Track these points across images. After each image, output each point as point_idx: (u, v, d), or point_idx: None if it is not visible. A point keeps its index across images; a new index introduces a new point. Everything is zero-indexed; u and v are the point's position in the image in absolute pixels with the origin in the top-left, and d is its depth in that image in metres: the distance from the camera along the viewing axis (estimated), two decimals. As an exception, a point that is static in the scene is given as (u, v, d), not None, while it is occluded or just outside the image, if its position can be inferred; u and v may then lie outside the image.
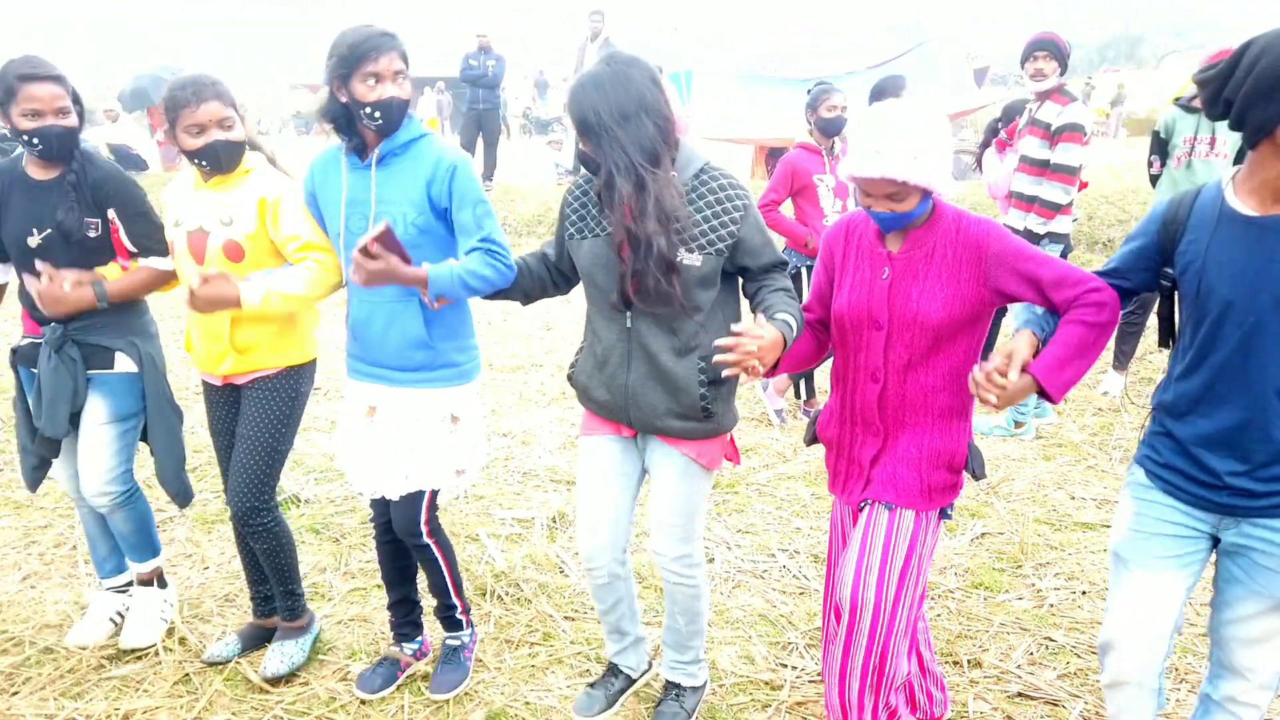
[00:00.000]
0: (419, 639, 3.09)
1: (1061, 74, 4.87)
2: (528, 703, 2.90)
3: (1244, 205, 1.97)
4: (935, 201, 2.23)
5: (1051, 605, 3.46)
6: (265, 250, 2.76)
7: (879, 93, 5.32)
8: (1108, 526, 4.08)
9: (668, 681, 2.83)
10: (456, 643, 3.04)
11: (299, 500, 4.30)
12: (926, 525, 2.33)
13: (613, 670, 2.91)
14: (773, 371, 2.29)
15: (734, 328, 2.13)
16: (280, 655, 3.02)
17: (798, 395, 5.64)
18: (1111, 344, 5.89)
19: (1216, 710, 2.21)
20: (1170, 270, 2.10)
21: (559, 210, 2.57)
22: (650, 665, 2.97)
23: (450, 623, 3.04)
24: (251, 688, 2.95)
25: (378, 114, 2.48)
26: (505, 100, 14.07)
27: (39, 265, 2.74)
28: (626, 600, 2.78)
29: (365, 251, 2.35)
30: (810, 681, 3.02)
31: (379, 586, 3.53)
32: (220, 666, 3.04)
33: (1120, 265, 2.19)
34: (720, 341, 2.12)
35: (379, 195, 2.57)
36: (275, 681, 2.96)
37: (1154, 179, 5.55)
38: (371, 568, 3.71)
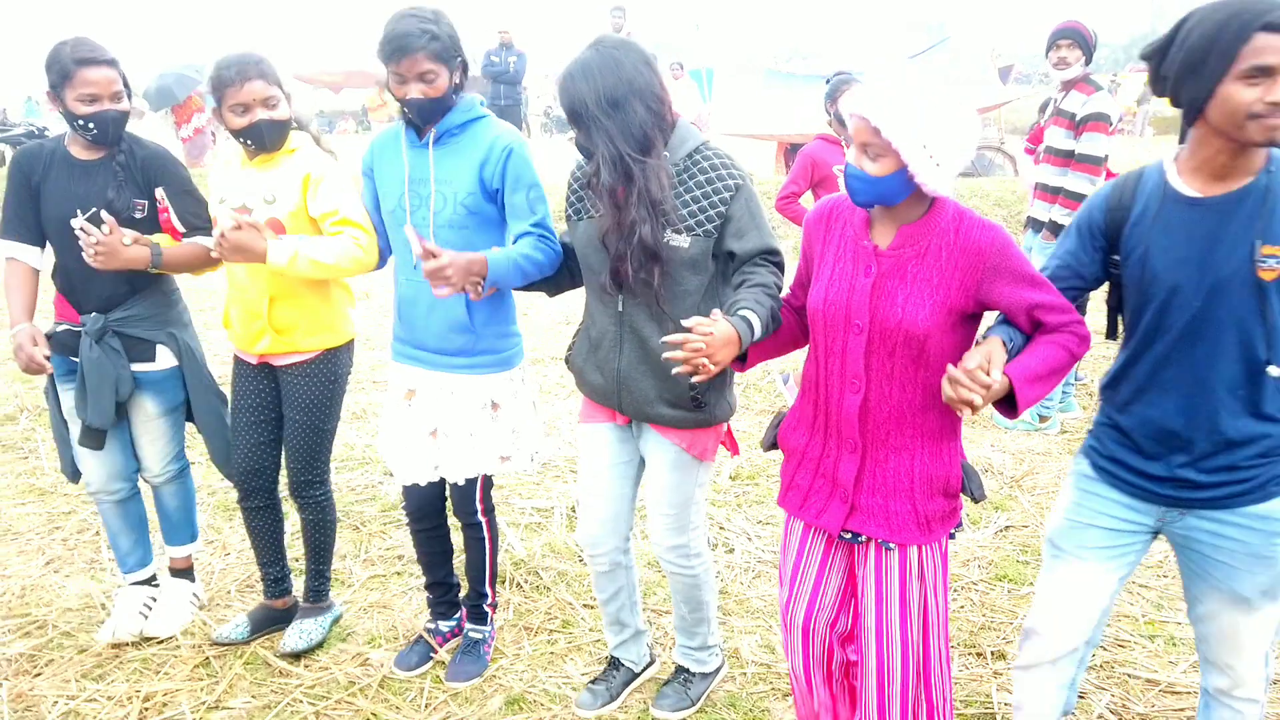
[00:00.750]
0: (456, 616, 3.11)
1: (1086, 63, 4.80)
2: (546, 689, 2.89)
3: (1186, 186, 1.89)
4: (937, 199, 2.00)
5: (1077, 598, 3.41)
6: (307, 228, 2.76)
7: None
8: (1134, 520, 4.03)
9: (677, 666, 2.82)
10: (479, 635, 3.03)
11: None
12: (935, 557, 2.14)
13: (614, 664, 2.87)
14: (742, 365, 2.14)
15: (684, 322, 1.97)
16: (299, 632, 3.05)
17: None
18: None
19: (1216, 705, 2.16)
20: (1117, 257, 2.02)
21: (565, 193, 2.55)
22: (653, 660, 2.95)
23: (477, 613, 3.04)
24: (271, 671, 2.95)
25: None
26: (527, 98, 14.08)
27: (104, 215, 2.65)
28: (627, 590, 2.75)
29: (429, 254, 2.31)
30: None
31: (399, 574, 3.54)
32: (240, 649, 3.04)
33: (1068, 260, 2.08)
34: (668, 338, 1.98)
35: (437, 175, 2.58)
36: (294, 658, 3.00)
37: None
38: (392, 554, 3.71)
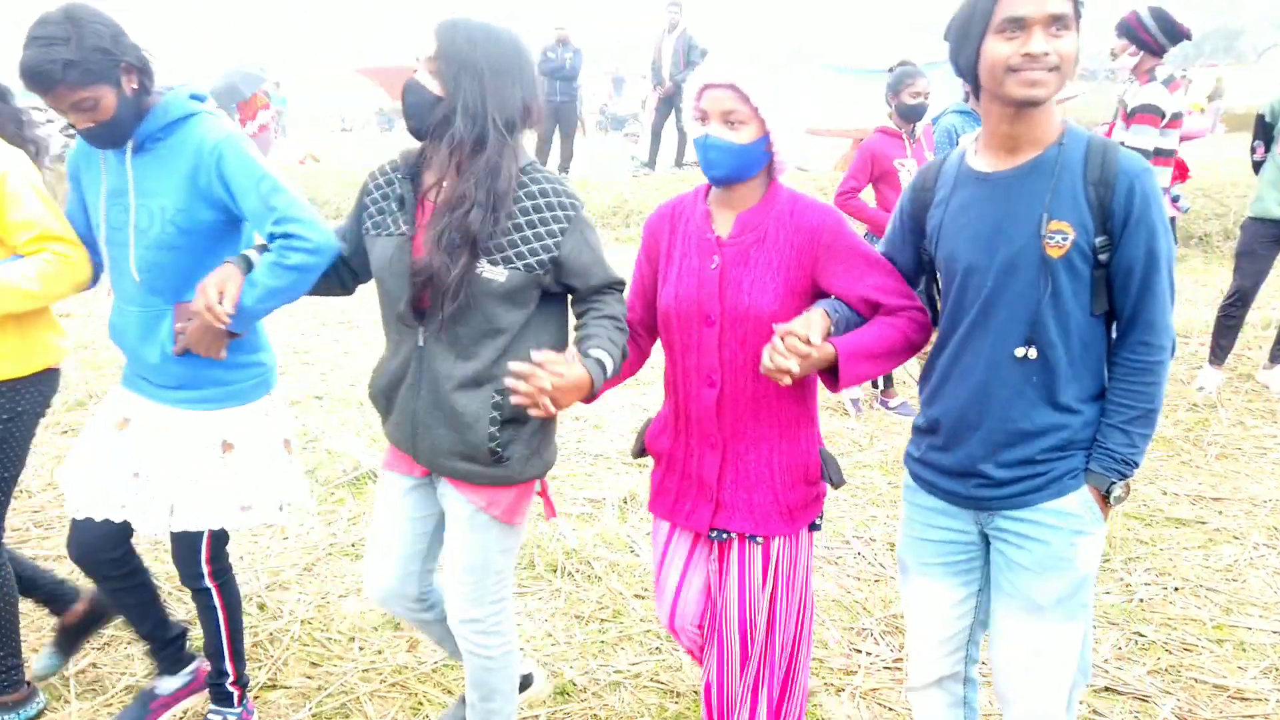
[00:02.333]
0: (189, 668, 2.63)
1: (1142, 53, 4.68)
2: (595, 678, 2.88)
3: (980, 162, 1.84)
4: (772, 182, 2.03)
5: (1141, 600, 3.32)
6: None
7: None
8: (1203, 523, 3.91)
9: None
10: (218, 719, 2.58)
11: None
12: (799, 546, 2.14)
13: (462, 700, 2.55)
14: (591, 398, 2.00)
15: (535, 355, 1.85)
16: None
17: (874, 385, 5.53)
18: (1209, 339, 5.65)
19: None
20: (925, 243, 1.96)
21: (358, 197, 2.19)
22: (533, 678, 2.68)
23: (219, 694, 2.57)
24: (327, 654, 2.99)
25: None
26: (582, 95, 14.13)
27: None
28: (438, 627, 2.39)
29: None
30: (885, 668, 2.95)
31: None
32: (292, 631, 3.09)
33: (887, 249, 2.05)
34: (514, 366, 1.84)
35: (138, 187, 2.19)
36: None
37: (1256, 165, 5.31)
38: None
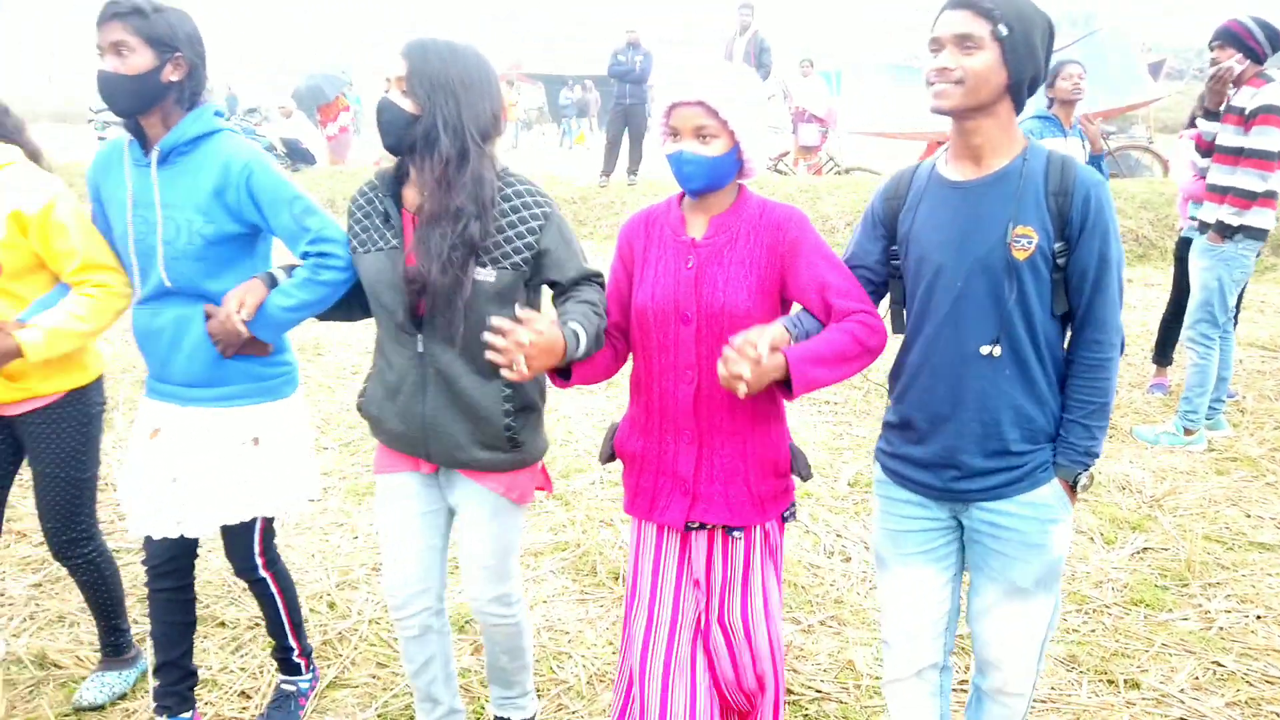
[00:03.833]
0: (186, 714, 2.62)
1: (1257, 61, 4.53)
2: (656, 688, 2.89)
3: (951, 171, 1.99)
4: (742, 189, 2.13)
5: (1221, 628, 3.20)
6: (25, 261, 2.42)
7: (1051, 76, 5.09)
8: (1289, 548, 3.75)
9: (496, 717, 2.64)
10: (291, 688, 2.78)
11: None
12: (774, 536, 2.25)
13: None
14: (565, 382, 2.12)
15: (519, 311, 1.91)
16: (100, 685, 2.81)
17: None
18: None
19: (986, 700, 2.19)
20: (896, 247, 2.08)
21: (346, 219, 2.32)
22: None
23: (286, 665, 2.79)
24: (393, 654, 3.05)
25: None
26: (652, 97, 14.15)
27: None
28: (440, 660, 2.45)
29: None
30: (949, 689, 2.90)
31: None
32: (360, 631, 3.16)
33: (855, 250, 2.16)
34: (495, 321, 1.89)
35: (164, 199, 2.27)
36: (92, 710, 2.76)
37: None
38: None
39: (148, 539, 2.47)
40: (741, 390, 1.86)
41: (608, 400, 5.54)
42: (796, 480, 2.25)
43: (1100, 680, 2.93)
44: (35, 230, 2.38)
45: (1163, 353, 5.78)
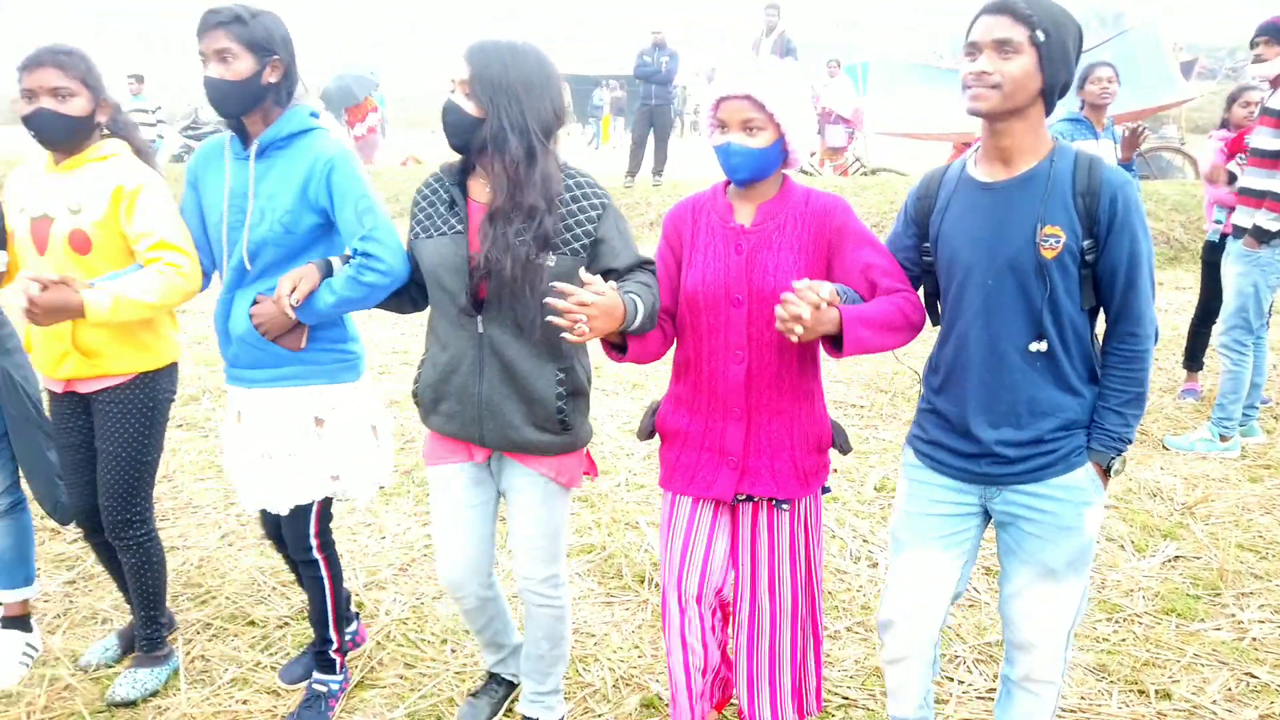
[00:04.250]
0: (352, 630, 2.96)
1: None
2: (682, 693, 2.89)
3: (981, 173, 2.05)
4: (786, 178, 2.23)
5: (1255, 639, 3.16)
6: (115, 244, 2.56)
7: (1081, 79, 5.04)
8: (1324, 558, 3.70)
9: (524, 717, 2.68)
10: (324, 688, 2.79)
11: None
12: (814, 511, 2.38)
13: (495, 680, 2.81)
14: (621, 356, 2.22)
15: (583, 275, 2.00)
16: (132, 681, 2.83)
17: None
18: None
19: (1016, 690, 2.24)
20: (928, 244, 2.15)
21: (409, 211, 2.43)
22: None
23: (323, 661, 2.80)
24: (421, 655, 3.07)
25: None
26: (683, 96, 14.13)
27: None
28: (499, 616, 2.68)
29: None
30: (978, 697, 2.88)
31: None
32: (388, 631, 3.18)
33: (893, 242, 2.24)
34: (558, 284, 1.97)
35: (258, 189, 2.44)
36: (125, 705, 2.79)
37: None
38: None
39: (262, 513, 2.73)
40: (796, 334, 1.94)
41: (632, 402, 5.54)
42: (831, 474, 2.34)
43: (1131, 690, 2.90)
44: (125, 204, 2.53)
45: (1193, 358, 5.71)
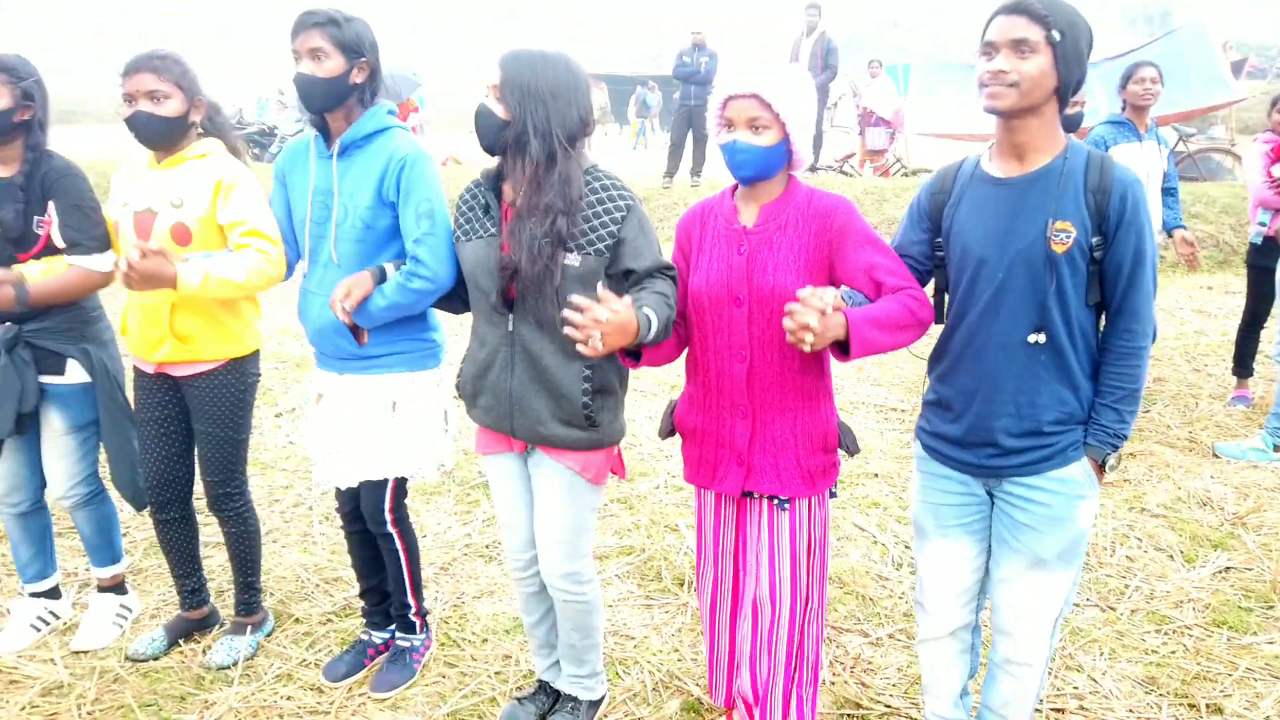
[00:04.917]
0: (391, 628, 3.07)
1: None
2: (723, 697, 2.88)
3: (994, 168, 2.10)
4: (791, 178, 2.26)
5: (1311, 654, 3.09)
6: (213, 236, 2.73)
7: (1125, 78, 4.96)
8: (1383, 572, 3.60)
9: (564, 694, 2.76)
10: (407, 644, 3.00)
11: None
12: (819, 511, 2.38)
13: (544, 689, 2.80)
14: (635, 363, 2.28)
15: (600, 290, 2.05)
16: (229, 648, 3.02)
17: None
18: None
19: (999, 672, 2.29)
20: (940, 239, 2.19)
21: (453, 214, 2.52)
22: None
23: (404, 623, 3.01)
24: (463, 655, 3.09)
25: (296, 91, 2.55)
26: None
27: None
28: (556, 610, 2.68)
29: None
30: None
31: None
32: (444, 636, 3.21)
33: (901, 240, 2.27)
34: (575, 298, 2.02)
35: (341, 187, 2.59)
36: (221, 669, 2.97)
37: None
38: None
39: (337, 489, 2.86)
40: (808, 343, 1.95)
41: (672, 404, 5.52)
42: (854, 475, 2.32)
43: (1181, 704, 2.84)
44: (223, 195, 2.70)
45: (1242, 364, 5.59)
